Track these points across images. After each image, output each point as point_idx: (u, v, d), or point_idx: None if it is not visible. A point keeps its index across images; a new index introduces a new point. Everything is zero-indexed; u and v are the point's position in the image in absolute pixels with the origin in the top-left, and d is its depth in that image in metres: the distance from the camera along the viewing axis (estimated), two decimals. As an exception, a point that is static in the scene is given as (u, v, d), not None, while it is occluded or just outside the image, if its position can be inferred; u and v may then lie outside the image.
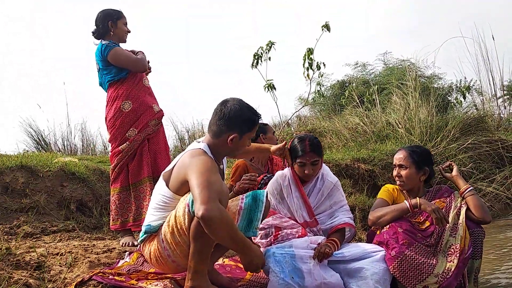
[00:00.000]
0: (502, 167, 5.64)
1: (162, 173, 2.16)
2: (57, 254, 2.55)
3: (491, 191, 5.09)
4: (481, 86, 8.32)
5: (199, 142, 2.17)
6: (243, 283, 2.31)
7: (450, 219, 2.33)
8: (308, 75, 6.77)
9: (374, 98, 7.27)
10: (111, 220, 3.09)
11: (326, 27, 6.53)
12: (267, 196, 2.26)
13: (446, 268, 2.19)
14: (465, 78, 9.01)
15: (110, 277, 2.18)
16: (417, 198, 2.40)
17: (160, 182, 2.14)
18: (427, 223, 2.39)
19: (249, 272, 2.43)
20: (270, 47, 6.68)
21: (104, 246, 2.85)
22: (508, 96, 9.37)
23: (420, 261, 2.20)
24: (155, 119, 3.15)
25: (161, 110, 3.24)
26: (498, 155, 5.80)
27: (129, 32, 3.22)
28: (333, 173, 2.77)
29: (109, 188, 3.16)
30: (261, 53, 6.72)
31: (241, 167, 3.17)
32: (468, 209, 2.38)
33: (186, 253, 1.98)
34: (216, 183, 1.87)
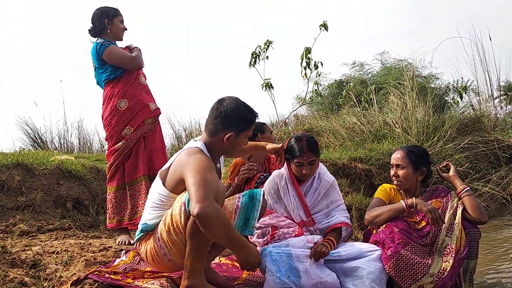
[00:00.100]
0: (498, 167, 5.66)
1: (159, 172, 2.15)
2: (53, 252, 2.54)
3: (487, 191, 5.11)
4: (477, 86, 8.37)
5: (196, 140, 2.17)
6: (240, 282, 2.31)
7: (446, 219, 2.34)
8: (305, 74, 6.77)
9: (371, 98, 7.28)
10: (107, 219, 3.08)
11: (324, 26, 6.53)
12: (264, 195, 2.26)
13: (442, 268, 2.19)
14: (462, 78, 9.05)
15: (106, 275, 2.17)
16: (413, 198, 2.40)
17: (157, 181, 2.14)
18: (423, 223, 2.39)
19: (245, 271, 2.44)
20: (268, 46, 6.67)
21: (100, 244, 2.85)
22: (504, 97, 9.41)
23: (415, 261, 2.21)
24: (151, 118, 3.13)
25: (158, 108, 3.23)
26: (494, 155, 5.82)
27: (126, 29, 3.21)
28: (330, 173, 2.77)
29: (106, 187, 3.16)
30: (259, 52, 6.72)
31: (239, 166, 3.18)
32: (464, 209, 2.39)
33: (182, 252, 1.98)
34: (213, 182, 1.87)
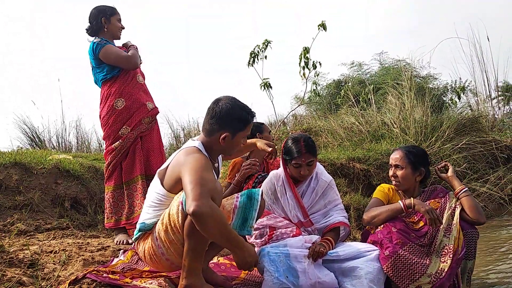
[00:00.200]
0: (496, 168, 5.68)
1: (157, 171, 2.15)
2: (51, 252, 2.53)
3: (484, 191, 5.12)
4: (475, 87, 8.38)
5: (194, 140, 2.17)
6: (238, 281, 2.31)
7: (444, 220, 2.34)
8: (304, 74, 6.77)
9: (369, 98, 7.29)
10: (105, 218, 3.08)
11: (323, 26, 6.54)
12: (262, 195, 2.26)
13: (440, 269, 2.20)
14: (460, 78, 9.07)
15: (104, 275, 2.17)
16: (411, 198, 2.41)
17: (155, 180, 2.14)
18: (421, 223, 2.40)
19: (243, 271, 2.44)
20: (267, 45, 6.67)
21: (98, 244, 2.84)
22: (502, 97, 9.44)
23: (413, 261, 2.21)
24: (148, 117, 3.13)
25: (156, 108, 3.22)
26: (492, 155, 5.84)
27: (123, 28, 3.20)
28: (328, 172, 2.77)
29: (104, 186, 3.15)
30: (258, 51, 6.72)
31: (238, 164, 3.19)
32: (462, 209, 2.39)
33: (179, 251, 1.99)
34: (209, 181, 1.87)
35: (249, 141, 2.62)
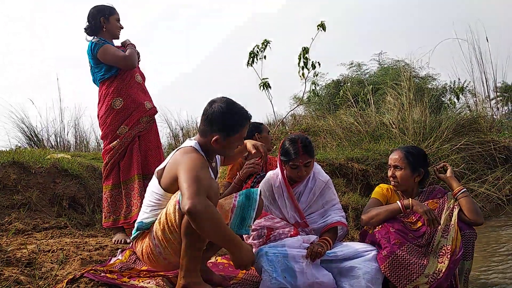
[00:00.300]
0: (494, 168, 5.69)
1: (155, 171, 2.16)
2: (48, 251, 2.53)
3: (482, 191, 5.13)
4: (474, 88, 8.40)
5: (191, 140, 2.18)
6: (236, 281, 2.31)
7: (442, 220, 2.34)
8: (303, 74, 6.78)
9: (368, 98, 7.30)
10: (103, 218, 3.08)
11: (322, 26, 6.54)
12: (260, 195, 2.27)
13: (437, 269, 2.20)
14: (459, 79, 9.09)
15: (102, 274, 2.17)
16: (410, 199, 2.41)
17: (153, 180, 2.15)
18: (419, 224, 2.40)
19: (241, 270, 2.44)
20: (266, 45, 6.67)
21: (96, 243, 2.84)
22: (501, 98, 9.46)
23: (411, 261, 2.21)
24: (147, 116, 3.13)
25: (154, 107, 3.22)
26: (490, 156, 5.85)
27: (122, 28, 3.20)
28: (327, 172, 2.77)
29: (102, 185, 3.15)
30: (257, 51, 6.72)
31: (237, 164, 3.19)
32: (460, 210, 2.39)
33: (177, 251, 1.99)
34: (205, 179, 1.88)
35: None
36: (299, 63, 6.72)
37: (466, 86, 8.93)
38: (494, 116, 7.92)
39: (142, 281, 2.16)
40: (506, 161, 5.95)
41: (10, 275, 2.02)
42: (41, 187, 3.55)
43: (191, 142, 2.13)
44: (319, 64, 6.72)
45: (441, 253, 2.24)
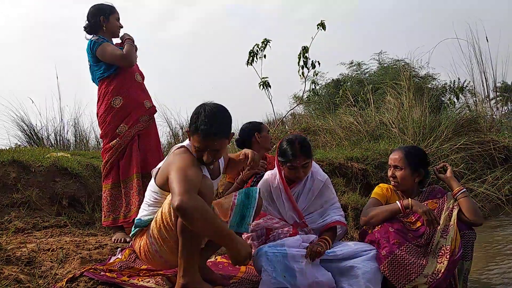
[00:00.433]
0: (494, 168, 5.69)
1: (152, 171, 2.19)
2: (48, 250, 2.53)
3: (482, 191, 5.13)
4: (474, 87, 8.38)
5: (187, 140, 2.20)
6: (236, 280, 2.31)
7: (441, 221, 2.34)
8: (303, 73, 6.77)
9: (368, 98, 7.30)
10: (103, 217, 3.08)
11: (322, 25, 6.53)
12: (259, 193, 2.27)
13: (436, 269, 2.20)
14: (459, 79, 9.08)
15: (102, 273, 2.17)
16: (409, 199, 2.41)
17: (152, 179, 2.18)
18: (419, 224, 2.40)
19: (241, 270, 2.45)
20: (266, 44, 6.66)
21: (96, 242, 2.84)
22: (500, 98, 9.46)
23: (410, 261, 2.22)
24: (146, 115, 3.13)
25: (153, 106, 3.22)
26: (489, 156, 5.85)
27: (122, 27, 3.19)
28: (326, 172, 2.76)
29: (101, 184, 3.15)
30: (257, 50, 6.71)
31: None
32: (460, 210, 2.39)
33: (173, 249, 2.01)
34: (194, 177, 1.89)
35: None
36: (299, 62, 6.72)
37: (466, 86, 8.94)
38: (494, 116, 7.91)
39: (142, 280, 2.16)
40: (506, 161, 5.95)
41: (10, 274, 2.02)
42: (40, 185, 3.55)
43: (184, 143, 2.17)
44: (319, 64, 6.71)
45: (440, 254, 2.24)
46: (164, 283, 2.17)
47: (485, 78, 8.20)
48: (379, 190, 2.64)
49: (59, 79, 6.97)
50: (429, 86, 9.57)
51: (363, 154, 5.22)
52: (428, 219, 2.28)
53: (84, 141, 7.19)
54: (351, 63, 11.65)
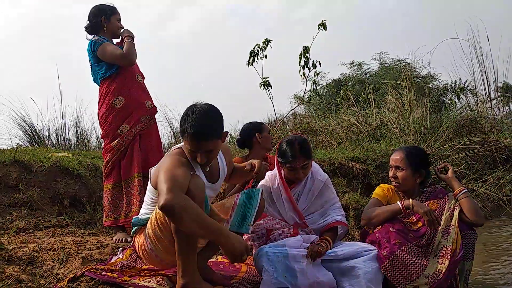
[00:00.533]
0: (495, 168, 5.68)
1: (149, 171, 2.20)
2: (49, 249, 2.54)
3: (483, 191, 5.13)
4: (475, 87, 8.36)
5: None
6: (236, 280, 2.32)
7: (442, 221, 2.33)
8: (304, 73, 6.77)
9: (369, 98, 7.30)
10: (104, 217, 3.08)
11: (323, 25, 6.53)
12: (262, 195, 2.28)
13: (437, 270, 2.20)
14: (460, 79, 9.07)
15: (103, 273, 2.18)
16: (410, 199, 2.41)
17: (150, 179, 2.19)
18: (420, 224, 2.40)
19: (242, 270, 2.45)
20: (267, 45, 6.66)
21: (97, 242, 2.85)
22: (501, 98, 9.45)
23: (411, 262, 2.21)
24: (147, 115, 3.14)
25: (154, 107, 3.23)
26: (491, 156, 5.84)
27: (123, 28, 3.20)
28: (327, 172, 2.76)
29: (103, 184, 3.16)
30: (257, 50, 6.71)
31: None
32: (461, 211, 2.39)
33: (168, 249, 2.01)
34: (179, 177, 1.89)
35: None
36: (300, 62, 6.71)
37: (467, 86, 8.93)
38: (495, 116, 7.90)
39: (143, 280, 2.16)
40: (507, 161, 5.94)
41: (12, 274, 2.03)
42: (42, 185, 3.55)
43: (180, 144, 2.17)
44: (320, 64, 6.71)
45: (441, 254, 2.24)
46: (165, 283, 2.17)
47: (486, 78, 8.18)
48: (380, 190, 2.64)
49: (60, 79, 6.98)
50: (430, 86, 9.56)
51: (364, 154, 5.22)
52: (429, 220, 2.28)
53: (86, 141, 7.20)
54: (352, 63, 11.65)
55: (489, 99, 8.38)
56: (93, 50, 3.04)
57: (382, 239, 2.31)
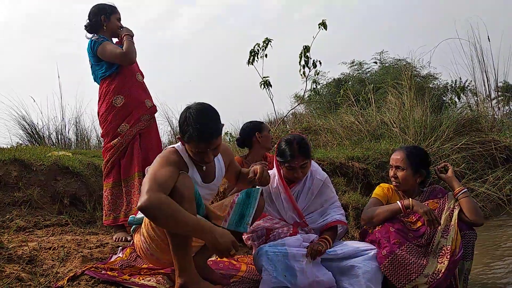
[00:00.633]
0: (495, 168, 5.68)
1: (146, 169, 2.19)
2: (49, 248, 2.54)
3: (483, 191, 5.13)
4: (475, 87, 8.36)
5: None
6: (236, 279, 2.32)
7: (442, 221, 2.34)
8: (304, 73, 6.76)
9: (369, 97, 7.30)
10: (103, 216, 3.08)
11: (323, 25, 6.53)
12: (261, 194, 2.27)
13: (436, 269, 2.20)
14: (460, 78, 9.07)
15: (103, 272, 2.18)
16: (410, 199, 2.41)
17: None
18: (419, 223, 2.40)
19: (242, 269, 2.45)
20: (267, 44, 6.66)
21: (97, 241, 2.85)
22: (502, 97, 9.44)
23: (410, 261, 2.22)
24: (147, 114, 3.14)
25: (154, 106, 3.23)
26: (490, 155, 5.84)
27: (122, 27, 3.20)
28: (327, 171, 2.76)
29: (103, 183, 3.16)
30: (258, 50, 6.71)
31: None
32: (461, 210, 2.39)
33: (162, 248, 2.02)
34: (161, 176, 1.88)
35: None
36: (300, 62, 6.71)
37: (467, 85, 8.93)
38: (495, 116, 7.90)
39: (143, 279, 2.16)
40: (507, 160, 5.94)
41: (12, 272, 2.03)
42: (42, 184, 3.55)
43: (177, 144, 2.16)
44: (320, 63, 6.70)
45: (440, 254, 2.24)
46: (165, 281, 2.17)
47: (487, 78, 8.18)
48: (380, 190, 2.64)
49: (60, 78, 6.99)
50: (430, 85, 9.56)
51: (364, 154, 5.22)
52: (428, 219, 2.28)
53: (85, 140, 7.20)
54: (352, 62, 11.65)
55: (489, 98, 8.37)
56: (93, 50, 3.04)
57: (381, 238, 2.31)
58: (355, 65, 11.63)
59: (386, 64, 11.10)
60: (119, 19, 3.18)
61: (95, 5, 3.14)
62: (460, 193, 2.43)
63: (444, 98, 9.19)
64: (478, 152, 5.74)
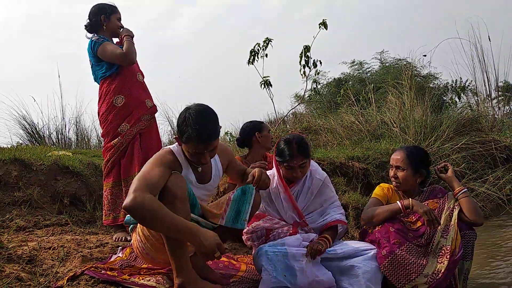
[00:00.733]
0: (495, 168, 5.67)
1: None
2: (49, 248, 2.54)
3: (483, 191, 5.12)
4: (476, 87, 8.36)
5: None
6: (236, 279, 2.32)
7: (442, 221, 2.34)
8: (304, 72, 6.76)
9: (369, 97, 7.29)
10: (103, 215, 3.09)
11: (324, 24, 6.52)
12: (258, 191, 2.27)
13: (436, 269, 2.20)
14: (461, 78, 9.06)
15: (103, 271, 2.18)
16: (410, 199, 2.41)
17: None
18: (419, 223, 2.40)
19: (241, 269, 2.45)
20: (267, 44, 6.65)
21: (97, 240, 2.85)
22: (502, 97, 9.44)
23: (410, 261, 2.22)
24: (147, 114, 3.14)
25: (154, 106, 3.23)
26: (491, 155, 5.84)
27: (123, 27, 3.20)
28: (327, 171, 2.76)
29: (103, 183, 3.16)
30: (258, 49, 6.70)
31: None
32: (461, 210, 2.39)
33: (157, 248, 2.03)
34: (151, 176, 1.88)
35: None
36: (300, 61, 6.71)
37: (468, 85, 8.92)
38: (496, 116, 7.89)
39: (143, 279, 2.16)
40: (507, 160, 5.93)
41: (11, 272, 2.03)
42: (42, 184, 3.56)
43: (173, 145, 2.16)
44: (321, 63, 6.70)
45: (440, 253, 2.24)
46: (164, 281, 2.17)
47: (487, 78, 8.17)
48: (380, 190, 2.64)
49: (60, 78, 6.99)
50: (430, 85, 9.55)
51: (364, 154, 5.22)
52: (428, 219, 2.28)
53: (86, 140, 7.21)
54: (353, 62, 11.64)
55: (489, 98, 8.37)
56: (93, 50, 3.04)
57: (381, 238, 2.31)
58: (356, 64, 11.63)
59: (387, 64, 11.11)
60: (119, 19, 3.18)
61: (95, 5, 3.14)
62: (460, 193, 2.43)
63: (445, 98, 9.18)
64: (478, 152, 5.74)
